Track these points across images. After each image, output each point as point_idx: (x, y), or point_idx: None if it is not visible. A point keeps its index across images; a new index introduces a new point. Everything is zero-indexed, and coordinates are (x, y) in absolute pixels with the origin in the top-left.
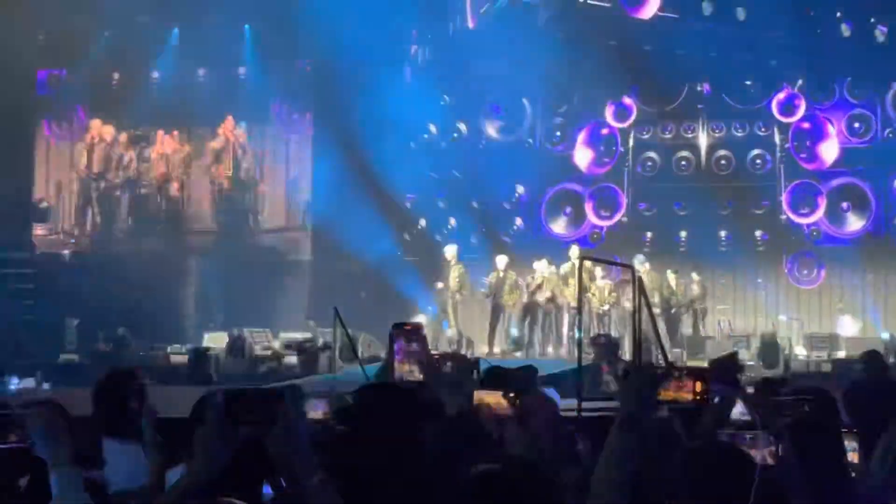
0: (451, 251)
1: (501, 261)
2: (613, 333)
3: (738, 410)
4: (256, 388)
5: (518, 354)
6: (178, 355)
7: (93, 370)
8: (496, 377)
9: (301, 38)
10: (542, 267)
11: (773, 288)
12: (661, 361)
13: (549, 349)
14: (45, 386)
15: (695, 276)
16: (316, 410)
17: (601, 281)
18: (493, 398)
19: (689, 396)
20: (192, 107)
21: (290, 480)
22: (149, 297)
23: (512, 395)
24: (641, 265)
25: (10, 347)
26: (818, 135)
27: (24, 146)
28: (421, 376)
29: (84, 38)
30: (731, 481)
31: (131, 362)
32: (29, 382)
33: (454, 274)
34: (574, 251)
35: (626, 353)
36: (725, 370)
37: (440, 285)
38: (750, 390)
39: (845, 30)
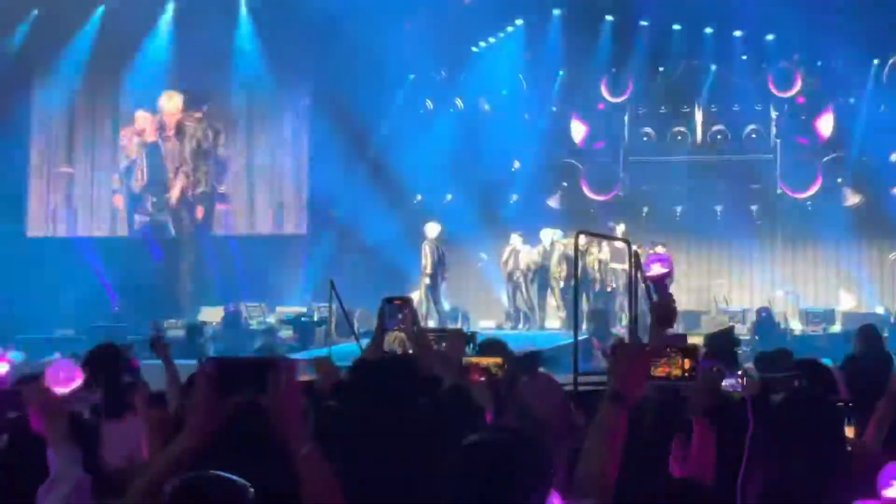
0: (433, 229)
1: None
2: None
3: (729, 382)
4: (248, 356)
5: (521, 327)
6: (174, 329)
7: (89, 345)
8: (491, 347)
9: (297, 15)
10: (548, 235)
11: (768, 262)
12: None
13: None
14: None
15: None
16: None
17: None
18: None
19: (679, 373)
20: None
21: (282, 449)
22: (145, 271)
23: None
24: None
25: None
26: (814, 109)
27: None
28: (410, 350)
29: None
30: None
31: (128, 337)
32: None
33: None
34: (546, 232)
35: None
36: (722, 344)
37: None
38: (748, 365)
39: None
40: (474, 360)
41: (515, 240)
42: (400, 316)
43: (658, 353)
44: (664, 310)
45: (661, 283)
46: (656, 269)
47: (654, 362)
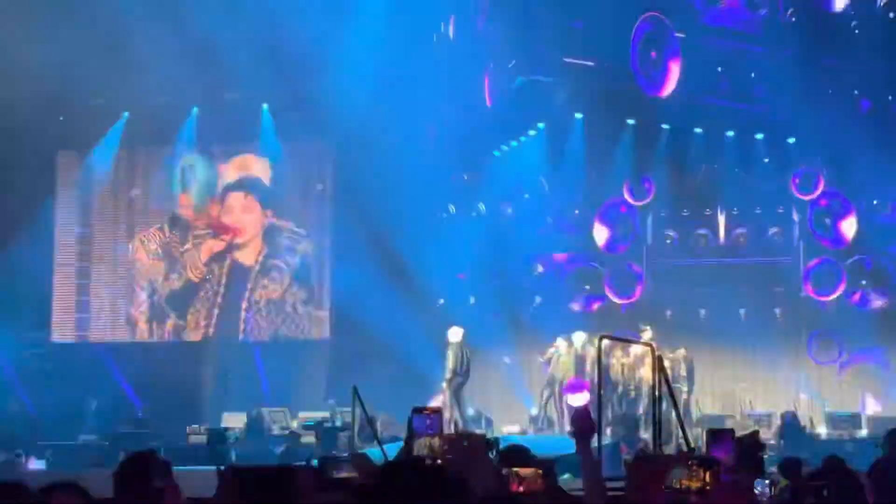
0: (456, 333)
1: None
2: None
3: (758, 490)
4: (268, 465)
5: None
6: (196, 435)
7: (112, 452)
8: (516, 454)
9: (319, 116)
10: (562, 344)
11: (793, 366)
12: (682, 442)
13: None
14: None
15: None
16: (342, 471)
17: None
18: (525, 471)
19: (699, 485)
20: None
21: None
22: (168, 377)
23: (542, 472)
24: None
25: (30, 428)
26: (838, 212)
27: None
28: (439, 460)
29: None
30: None
31: (150, 443)
32: (41, 464)
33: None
34: (579, 336)
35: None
36: (747, 449)
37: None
38: (772, 469)
39: (863, 107)
40: (516, 470)
41: (561, 344)
42: (427, 423)
43: (679, 465)
44: (581, 423)
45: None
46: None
47: (676, 474)
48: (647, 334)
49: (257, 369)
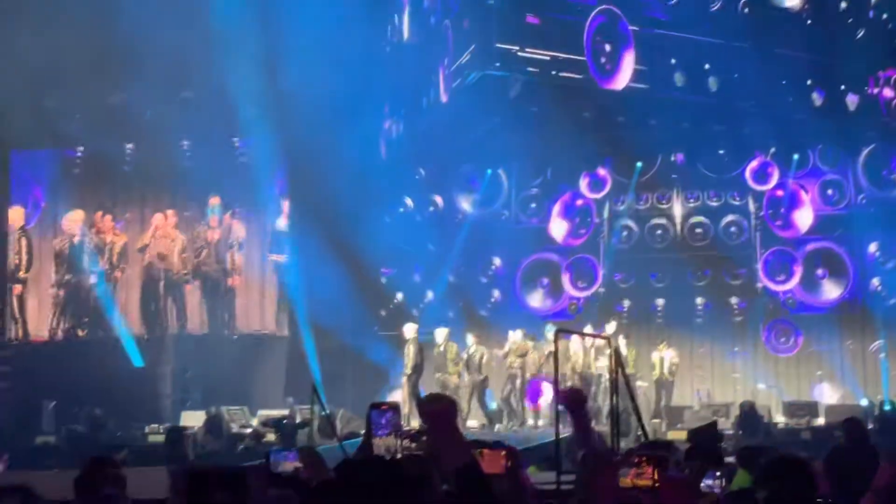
0: (411, 330)
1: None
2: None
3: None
4: (222, 465)
5: (498, 427)
6: (155, 435)
7: (69, 452)
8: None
9: (274, 114)
10: (517, 337)
11: (750, 356)
12: (640, 433)
13: (531, 421)
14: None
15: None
16: (288, 462)
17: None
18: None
19: (648, 483)
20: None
21: None
22: (125, 376)
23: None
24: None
25: None
26: (792, 202)
27: None
28: (398, 455)
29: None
30: None
31: (108, 443)
32: None
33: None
34: (551, 329)
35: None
36: (705, 440)
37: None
38: (730, 459)
39: (816, 98)
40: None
41: (514, 337)
42: (382, 421)
43: (627, 463)
44: (571, 394)
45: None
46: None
47: (623, 472)
48: (611, 327)
49: (216, 367)
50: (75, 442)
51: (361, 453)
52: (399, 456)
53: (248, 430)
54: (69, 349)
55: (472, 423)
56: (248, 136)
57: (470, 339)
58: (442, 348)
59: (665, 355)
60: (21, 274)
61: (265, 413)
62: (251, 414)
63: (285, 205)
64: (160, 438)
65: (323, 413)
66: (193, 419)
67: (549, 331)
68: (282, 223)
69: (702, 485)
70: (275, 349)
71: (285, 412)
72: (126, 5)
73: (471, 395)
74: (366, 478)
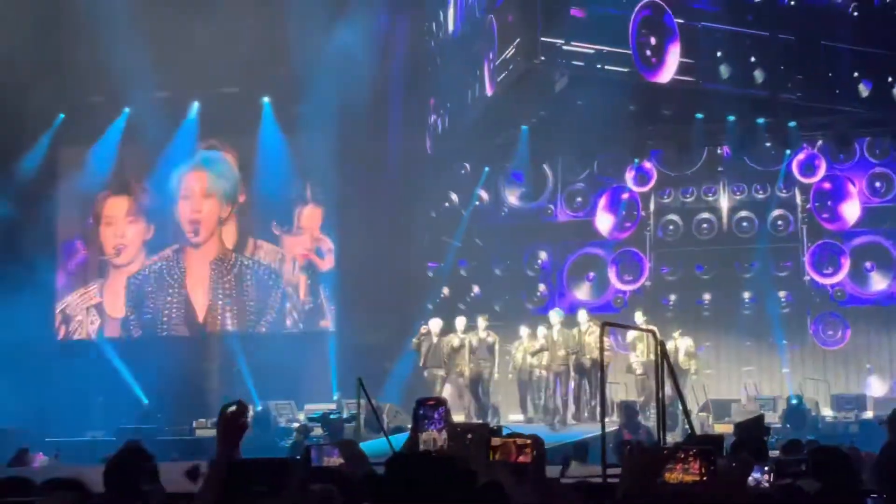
0: (437, 324)
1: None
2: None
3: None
4: (262, 458)
5: (548, 420)
6: (203, 429)
7: (118, 447)
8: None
9: (320, 111)
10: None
11: (798, 349)
12: (687, 427)
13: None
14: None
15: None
16: (331, 457)
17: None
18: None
19: (695, 478)
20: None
21: None
22: (175, 372)
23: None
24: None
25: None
26: (839, 195)
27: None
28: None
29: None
30: None
31: (157, 438)
32: (48, 460)
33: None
34: (582, 315)
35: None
36: (752, 433)
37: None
38: (775, 453)
39: (863, 90)
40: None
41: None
42: (435, 416)
43: (674, 457)
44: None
45: None
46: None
47: (670, 467)
48: (639, 317)
49: (263, 362)
50: (125, 437)
51: (408, 448)
52: (444, 449)
53: (296, 425)
54: (118, 345)
55: (518, 416)
56: (294, 131)
57: (481, 322)
58: (436, 339)
59: (680, 344)
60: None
61: (312, 407)
62: (298, 408)
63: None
64: (209, 433)
65: (370, 407)
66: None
67: (556, 315)
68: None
69: (749, 478)
70: (322, 344)
71: (332, 406)
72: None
73: (476, 384)
74: (415, 472)
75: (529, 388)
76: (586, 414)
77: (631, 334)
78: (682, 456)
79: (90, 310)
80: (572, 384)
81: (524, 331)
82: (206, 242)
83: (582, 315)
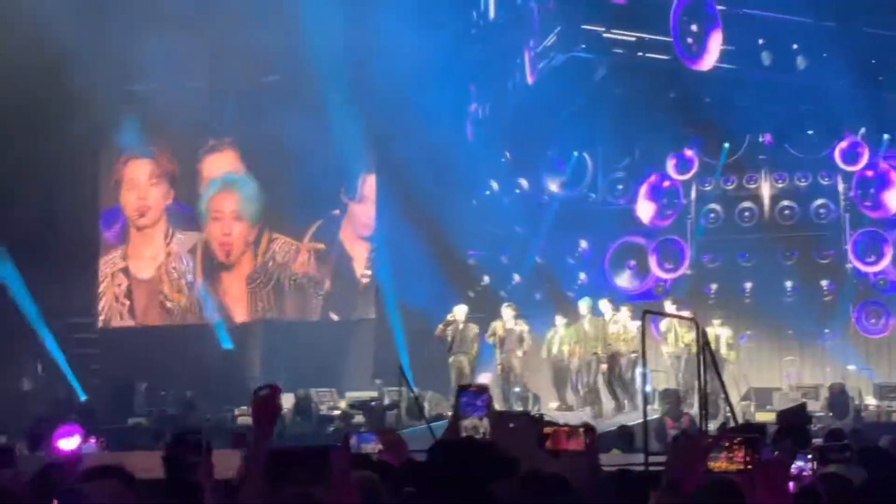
0: (461, 311)
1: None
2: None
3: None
4: (303, 446)
5: (587, 410)
6: (245, 417)
7: (161, 433)
8: None
9: (361, 99)
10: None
11: (840, 337)
12: (729, 414)
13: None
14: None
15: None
16: (371, 444)
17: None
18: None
19: (740, 467)
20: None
21: None
22: (216, 359)
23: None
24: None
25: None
26: (882, 183)
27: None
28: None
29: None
30: None
31: (199, 425)
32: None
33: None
34: (605, 305)
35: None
36: (794, 421)
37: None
38: (818, 441)
39: None
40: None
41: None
42: (478, 403)
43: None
44: None
45: None
46: None
47: (714, 456)
48: (669, 306)
49: (305, 350)
50: (166, 423)
51: (449, 434)
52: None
53: (337, 413)
54: (162, 332)
55: (555, 404)
56: (334, 119)
57: (507, 313)
58: (462, 326)
59: (720, 332)
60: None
61: (353, 395)
62: (340, 396)
63: (372, 188)
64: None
65: (411, 395)
66: (283, 401)
67: (585, 304)
68: (369, 207)
69: (793, 467)
70: (363, 332)
71: (373, 394)
72: None
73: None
74: (459, 459)
75: (566, 376)
76: (625, 402)
77: (665, 323)
78: (727, 444)
79: (115, 275)
80: (600, 374)
81: (560, 319)
82: (237, 262)
83: (604, 305)
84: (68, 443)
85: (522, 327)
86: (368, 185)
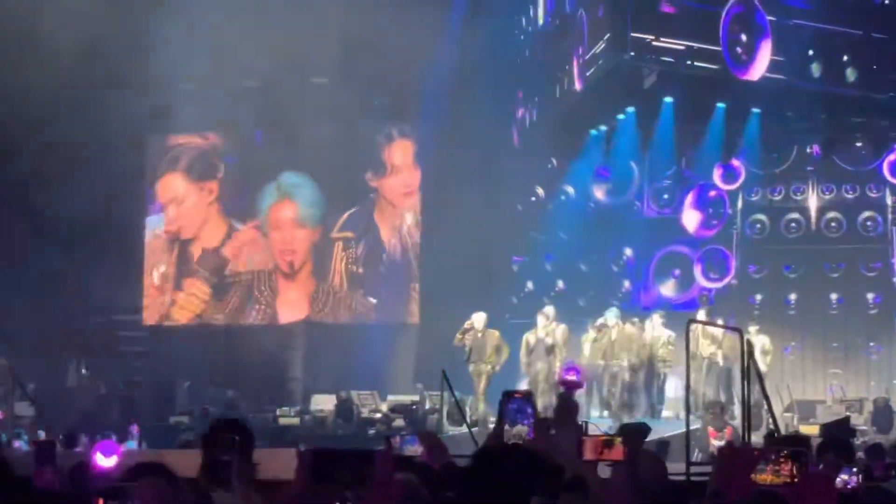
0: (480, 318)
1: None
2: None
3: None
4: (348, 448)
5: (625, 419)
6: (286, 417)
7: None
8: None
9: (407, 103)
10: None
11: (886, 351)
12: (772, 426)
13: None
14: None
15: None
16: (412, 446)
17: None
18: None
19: (787, 479)
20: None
21: None
22: (258, 360)
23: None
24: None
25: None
26: None
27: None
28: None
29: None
30: None
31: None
32: (132, 444)
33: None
34: (612, 312)
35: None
36: (838, 435)
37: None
38: (860, 455)
39: None
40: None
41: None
42: (528, 410)
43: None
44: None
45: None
46: (570, 378)
47: (760, 468)
48: (701, 314)
49: (347, 352)
50: (208, 422)
51: (494, 441)
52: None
53: (378, 416)
54: (206, 333)
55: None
56: (380, 123)
57: (541, 320)
58: (481, 335)
59: (756, 341)
60: None
61: (395, 399)
62: (381, 399)
63: (418, 193)
64: (292, 421)
65: (452, 400)
66: (324, 403)
67: (611, 314)
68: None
69: (838, 480)
70: (406, 336)
71: (415, 398)
72: None
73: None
74: (505, 465)
75: (599, 384)
76: (662, 407)
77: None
78: (774, 457)
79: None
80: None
81: (591, 327)
82: (299, 273)
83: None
84: (107, 461)
85: (553, 339)
86: (397, 152)
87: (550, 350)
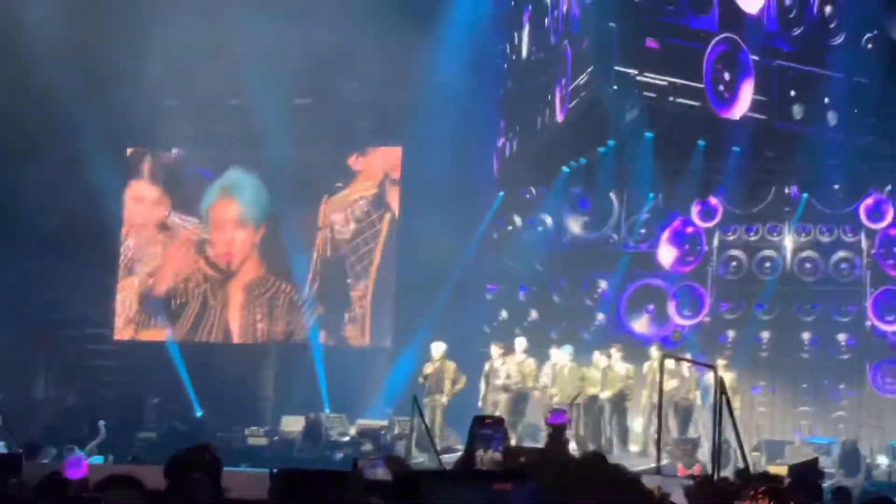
0: (438, 349)
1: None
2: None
3: None
4: (321, 469)
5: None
6: (255, 437)
7: (169, 449)
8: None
9: (388, 128)
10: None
11: (855, 395)
12: (742, 464)
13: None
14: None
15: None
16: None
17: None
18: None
19: None
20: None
21: None
22: (229, 378)
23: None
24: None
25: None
26: None
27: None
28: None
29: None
30: None
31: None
32: (98, 459)
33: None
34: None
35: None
36: (807, 476)
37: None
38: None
39: None
40: None
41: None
42: (499, 435)
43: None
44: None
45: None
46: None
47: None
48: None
49: (317, 374)
50: (175, 439)
51: (462, 464)
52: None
53: (346, 439)
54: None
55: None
56: (360, 146)
57: (494, 350)
58: (439, 364)
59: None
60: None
61: (364, 423)
62: (350, 422)
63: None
64: (261, 441)
65: (422, 426)
66: (293, 424)
67: (564, 353)
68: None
69: None
70: (377, 360)
71: (384, 423)
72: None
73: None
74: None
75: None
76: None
77: (646, 366)
78: (752, 493)
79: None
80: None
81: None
82: (239, 270)
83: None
84: (76, 472)
85: (509, 366)
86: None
87: (507, 388)
